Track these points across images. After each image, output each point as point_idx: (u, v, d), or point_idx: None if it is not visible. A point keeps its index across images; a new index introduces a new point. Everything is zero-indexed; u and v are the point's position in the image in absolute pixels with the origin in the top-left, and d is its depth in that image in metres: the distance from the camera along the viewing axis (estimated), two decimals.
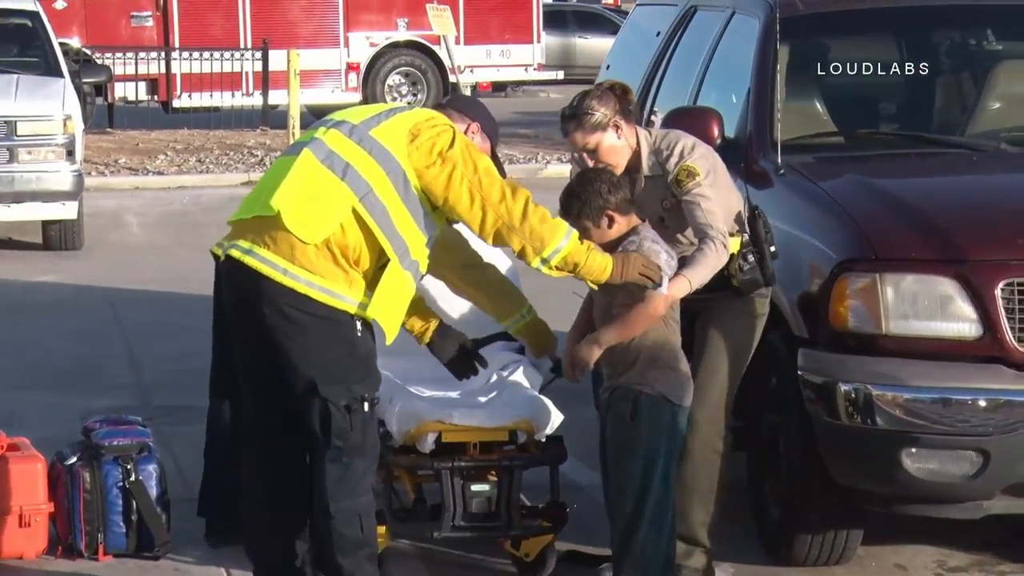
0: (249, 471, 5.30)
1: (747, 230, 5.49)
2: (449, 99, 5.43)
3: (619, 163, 5.48)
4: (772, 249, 5.48)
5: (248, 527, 5.34)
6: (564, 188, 5.33)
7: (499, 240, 5.04)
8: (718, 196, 5.42)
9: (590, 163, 5.50)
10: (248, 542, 5.36)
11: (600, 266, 5.06)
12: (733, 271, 5.42)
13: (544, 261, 5.02)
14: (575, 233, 5.05)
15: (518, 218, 4.97)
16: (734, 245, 5.44)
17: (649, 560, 5.23)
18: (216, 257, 5.41)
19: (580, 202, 5.20)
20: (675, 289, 5.19)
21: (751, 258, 5.44)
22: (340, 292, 4.97)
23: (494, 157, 5.36)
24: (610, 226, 5.20)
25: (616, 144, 5.45)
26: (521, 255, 5.05)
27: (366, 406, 5.01)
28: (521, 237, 4.98)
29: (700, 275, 5.27)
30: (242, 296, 5.07)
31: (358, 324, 5.01)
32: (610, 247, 5.18)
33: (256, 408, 5.23)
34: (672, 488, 5.26)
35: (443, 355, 5.56)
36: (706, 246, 5.30)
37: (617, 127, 5.44)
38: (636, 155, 5.50)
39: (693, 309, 5.58)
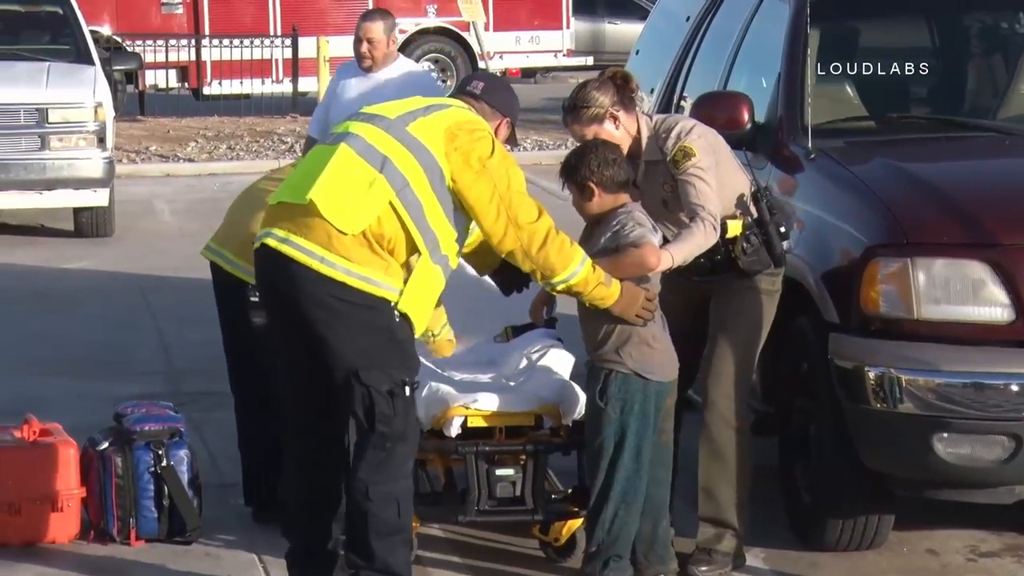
0: (290, 457, 5.34)
1: (751, 211, 5.49)
2: (483, 88, 5.38)
3: None
4: (782, 229, 5.48)
5: (289, 510, 5.38)
6: None
7: (511, 258, 5.15)
8: (716, 178, 5.43)
9: None
10: (287, 523, 5.40)
11: (602, 298, 5.19)
12: (737, 253, 5.43)
13: (550, 285, 5.18)
14: (588, 263, 5.14)
15: (536, 246, 5.07)
16: (737, 227, 5.44)
17: (616, 535, 5.29)
18: (209, 260, 5.81)
19: (570, 166, 5.36)
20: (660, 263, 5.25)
21: (754, 239, 5.44)
22: (377, 279, 4.99)
23: (511, 133, 5.46)
24: (589, 198, 5.32)
25: (614, 135, 5.49)
26: (530, 274, 5.19)
27: (407, 390, 5.04)
28: (533, 263, 5.11)
29: (684, 252, 5.31)
30: (277, 285, 5.08)
31: (395, 310, 5.04)
32: (593, 221, 5.34)
33: (295, 394, 5.25)
34: (644, 466, 5.30)
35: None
36: (695, 225, 5.34)
37: (615, 118, 5.48)
38: (637, 141, 5.53)
39: (704, 291, 5.60)
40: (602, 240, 5.28)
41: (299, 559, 5.33)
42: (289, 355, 5.21)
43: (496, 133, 5.30)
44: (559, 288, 5.16)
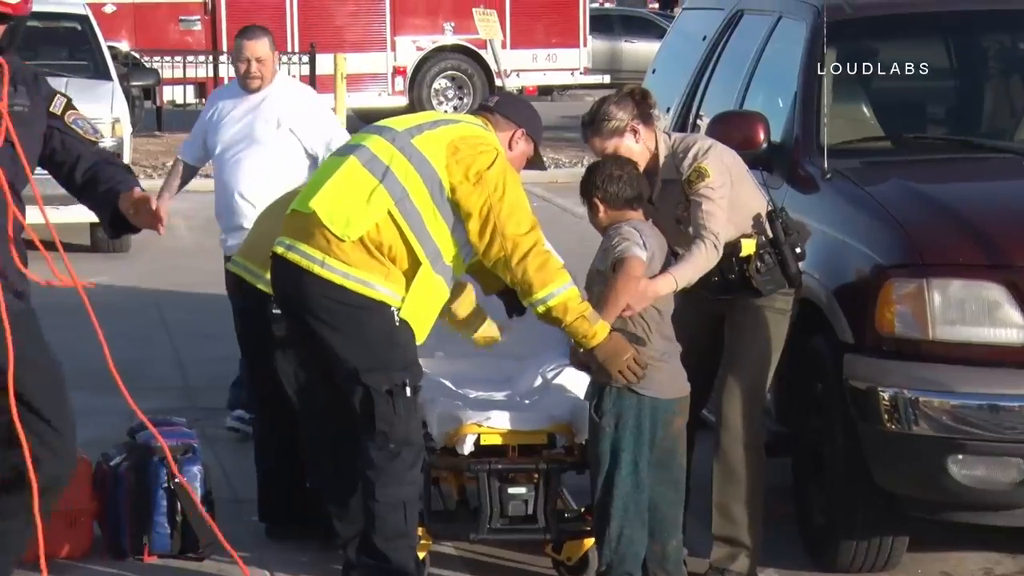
0: (327, 470, 5.44)
1: (767, 231, 5.48)
2: (497, 102, 5.50)
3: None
4: (797, 250, 5.47)
5: (336, 523, 5.43)
6: None
7: (497, 269, 5.18)
8: (730, 198, 5.42)
9: None
10: (337, 537, 5.45)
11: (584, 333, 5.13)
12: (751, 272, 5.44)
13: (532, 306, 5.18)
14: (570, 293, 5.12)
15: (517, 257, 5.09)
16: (751, 246, 5.44)
17: (624, 553, 5.29)
18: (229, 272, 5.94)
19: (582, 183, 5.42)
20: (660, 286, 5.26)
21: (768, 259, 5.44)
22: (376, 283, 5.10)
23: (536, 154, 5.47)
24: (596, 214, 5.38)
25: (634, 149, 5.50)
26: (516, 289, 5.19)
27: (408, 391, 5.11)
28: (512, 276, 5.13)
29: (687, 274, 5.31)
30: (287, 291, 5.25)
31: (396, 315, 5.12)
32: (602, 233, 5.39)
33: (319, 401, 5.34)
34: (643, 482, 5.30)
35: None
36: (695, 247, 5.34)
37: (635, 131, 5.49)
38: (655, 158, 5.54)
39: (720, 310, 5.62)
40: (597, 261, 5.31)
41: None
42: (310, 363, 5.33)
43: (510, 144, 5.35)
44: (539, 309, 5.15)
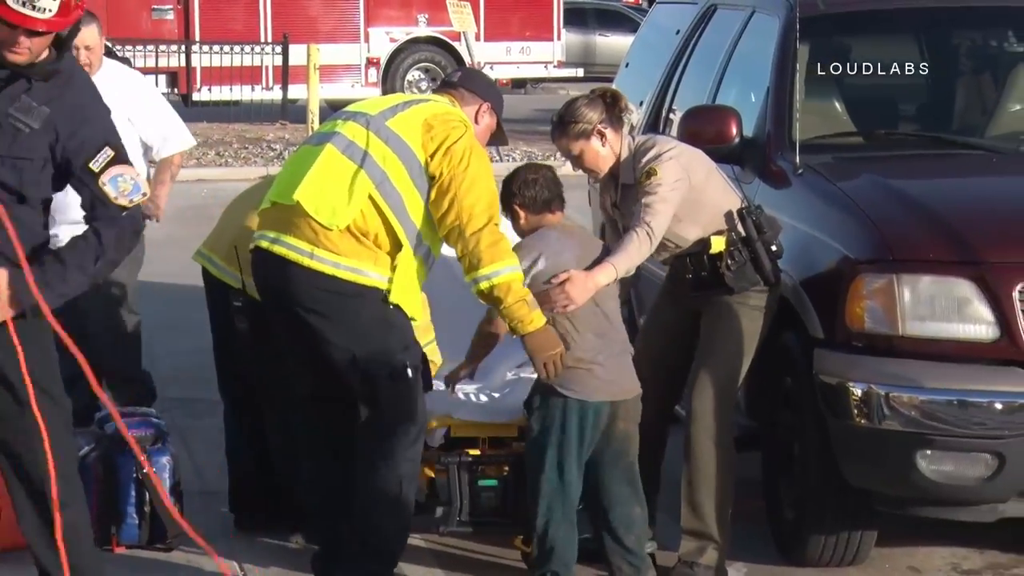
0: (310, 459, 5.41)
1: (740, 229, 5.49)
2: (460, 77, 5.56)
3: (602, 169, 5.61)
4: (773, 248, 5.49)
5: (314, 512, 5.42)
6: None
7: (449, 239, 5.17)
8: (679, 192, 5.42)
9: (574, 170, 5.70)
10: (313, 527, 5.47)
11: (521, 318, 5.14)
12: (722, 269, 5.45)
13: (475, 282, 5.15)
14: (515, 275, 5.13)
15: (471, 228, 5.09)
16: (720, 243, 5.47)
17: (550, 550, 5.30)
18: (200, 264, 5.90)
19: (500, 194, 5.38)
20: (600, 277, 5.27)
21: (739, 256, 5.46)
22: (366, 269, 5.11)
23: (499, 128, 5.53)
24: (517, 220, 5.42)
25: (600, 152, 5.53)
26: (460, 263, 5.17)
27: (409, 372, 5.12)
28: (464, 246, 5.12)
29: (624, 262, 5.33)
30: (273, 285, 5.22)
31: (388, 298, 5.14)
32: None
33: (306, 393, 5.33)
34: (570, 483, 5.29)
35: None
36: (627, 235, 5.37)
37: (602, 135, 5.51)
38: (619, 162, 5.54)
39: (696, 306, 5.64)
40: None
41: (327, 560, 5.38)
42: (294, 355, 5.30)
43: (476, 118, 5.40)
44: (482, 285, 5.12)
